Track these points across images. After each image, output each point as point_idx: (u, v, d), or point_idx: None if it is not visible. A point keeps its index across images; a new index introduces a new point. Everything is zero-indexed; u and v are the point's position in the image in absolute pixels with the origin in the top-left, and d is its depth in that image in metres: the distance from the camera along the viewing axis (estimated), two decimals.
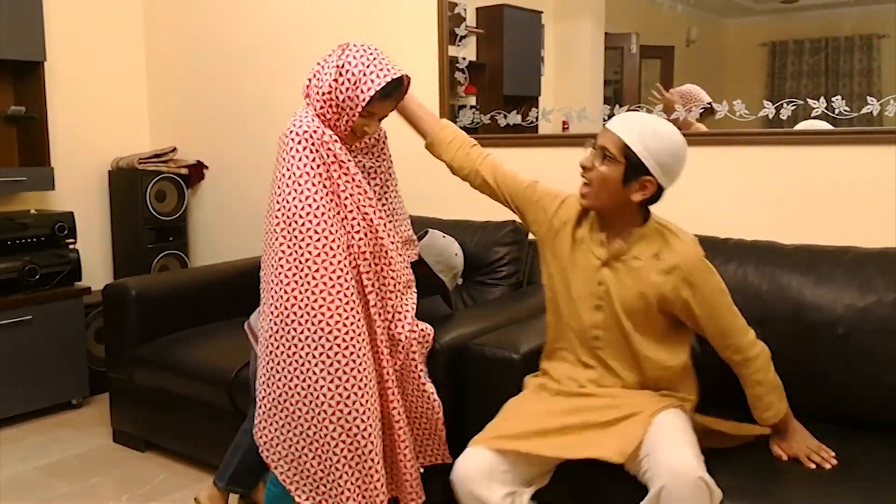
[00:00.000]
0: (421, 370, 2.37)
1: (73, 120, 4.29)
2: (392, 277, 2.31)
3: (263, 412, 2.28)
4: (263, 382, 2.26)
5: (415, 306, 2.39)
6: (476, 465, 1.95)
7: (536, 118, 3.24)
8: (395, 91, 2.20)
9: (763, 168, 2.73)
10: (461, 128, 3.38)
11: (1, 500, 2.93)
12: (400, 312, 2.34)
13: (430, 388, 2.38)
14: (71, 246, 3.91)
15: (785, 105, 2.67)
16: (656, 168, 1.94)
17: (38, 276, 3.72)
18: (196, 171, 4.44)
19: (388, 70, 2.16)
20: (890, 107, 2.51)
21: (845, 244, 2.42)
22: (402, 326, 2.32)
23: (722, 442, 2.08)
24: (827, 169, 2.62)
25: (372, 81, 2.14)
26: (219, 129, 4.35)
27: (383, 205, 2.40)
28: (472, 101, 3.43)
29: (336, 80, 2.19)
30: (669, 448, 1.84)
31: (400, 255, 2.35)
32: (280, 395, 2.23)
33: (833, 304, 2.28)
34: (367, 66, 2.15)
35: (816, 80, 2.64)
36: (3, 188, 3.77)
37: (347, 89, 2.16)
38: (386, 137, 2.45)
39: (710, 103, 2.80)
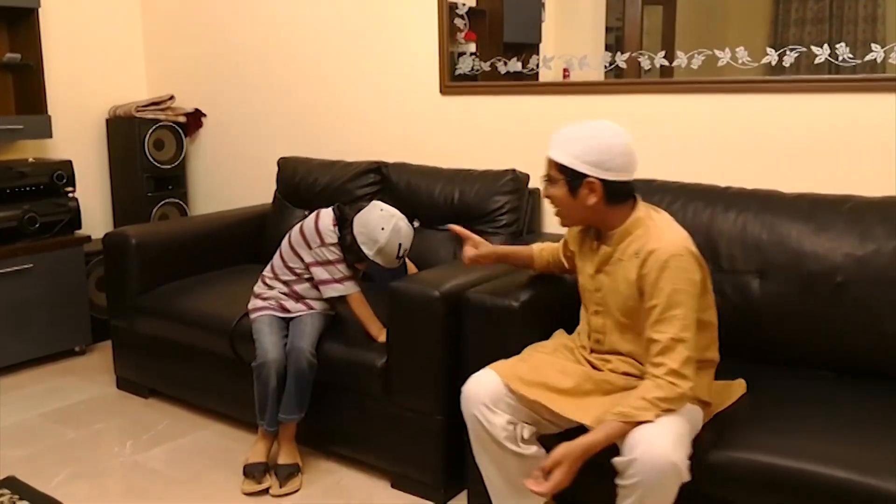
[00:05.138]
0: None
1: (69, 67, 4.24)
2: None
3: None
4: None
5: None
6: (486, 387, 2.04)
7: (537, 66, 3.20)
8: None
9: (764, 116, 2.71)
10: (461, 75, 3.39)
11: (6, 447, 2.97)
12: None
13: None
14: (70, 194, 3.90)
15: (788, 52, 2.64)
16: (590, 168, 1.96)
17: (38, 225, 3.72)
18: (194, 120, 4.40)
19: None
20: (894, 54, 2.48)
21: (846, 192, 2.42)
22: None
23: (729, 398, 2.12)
24: (829, 117, 2.60)
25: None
26: (217, 77, 4.30)
27: None
28: (472, 47, 3.39)
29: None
30: (650, 428, 1.82)
31: None
32: None
33: (832, 253, 2.28)
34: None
35: (820, 26, 2.60)
36: (0, 136, 3.74)
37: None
38: None
39: None
